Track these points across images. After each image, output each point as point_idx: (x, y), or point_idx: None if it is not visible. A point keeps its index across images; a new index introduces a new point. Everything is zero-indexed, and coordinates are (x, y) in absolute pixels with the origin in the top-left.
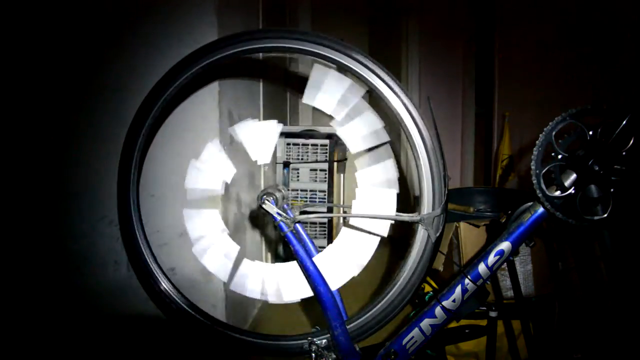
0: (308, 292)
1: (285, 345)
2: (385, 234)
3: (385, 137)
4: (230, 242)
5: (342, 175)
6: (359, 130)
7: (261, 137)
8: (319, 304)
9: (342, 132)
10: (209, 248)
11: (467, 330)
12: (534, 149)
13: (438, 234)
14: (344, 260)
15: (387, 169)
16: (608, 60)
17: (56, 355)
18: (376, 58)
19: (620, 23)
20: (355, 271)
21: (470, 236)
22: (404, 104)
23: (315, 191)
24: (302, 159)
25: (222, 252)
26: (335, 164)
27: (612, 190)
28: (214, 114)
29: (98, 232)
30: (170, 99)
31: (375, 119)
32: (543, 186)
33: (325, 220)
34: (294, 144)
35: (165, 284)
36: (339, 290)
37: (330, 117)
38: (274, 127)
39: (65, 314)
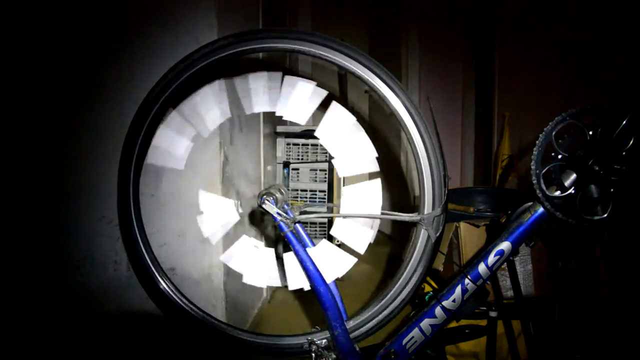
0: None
1: (285, 344)
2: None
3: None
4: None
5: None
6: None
7: None
8: (319, 304)
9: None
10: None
11: (467, 330)
12: (534, 149)
13: (438, 234)
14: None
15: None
16: (608, 60)
17: (56, 355)
18: (376, 58)
19: (620, 23)
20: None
21: (470, 236)
22: (404, 104)
23: (315, 191)
24: (302, 159)
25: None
26: None
27: (612, 190)
28: None
29: (98, 232)
30: (170, 99)
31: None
32: (543, 186)
33: (325, 220)
34: (294, 144)
35: (165, 284)
36: (339, 290)
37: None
38: None
39: (66, 313)
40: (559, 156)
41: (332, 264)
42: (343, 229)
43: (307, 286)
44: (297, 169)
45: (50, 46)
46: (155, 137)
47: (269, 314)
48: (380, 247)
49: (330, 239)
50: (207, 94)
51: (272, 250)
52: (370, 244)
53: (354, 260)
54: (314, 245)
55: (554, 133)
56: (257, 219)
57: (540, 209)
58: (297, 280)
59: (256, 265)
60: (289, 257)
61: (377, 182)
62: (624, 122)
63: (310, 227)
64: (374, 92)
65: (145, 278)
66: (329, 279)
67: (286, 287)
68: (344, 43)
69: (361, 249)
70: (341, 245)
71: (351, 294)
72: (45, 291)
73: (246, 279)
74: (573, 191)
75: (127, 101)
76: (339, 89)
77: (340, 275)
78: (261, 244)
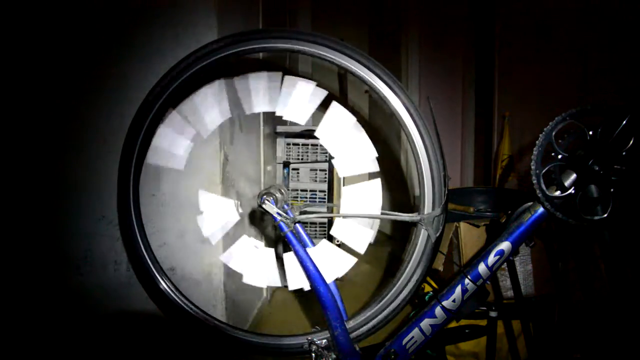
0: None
1: (285, 344)
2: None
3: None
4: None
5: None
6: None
7: None
8: (319, 304)
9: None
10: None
11: (467, 330)
12: (534, 149)
13: (438, 234)
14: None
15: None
16: (608, 60)
17: (56, 355)
18: (376, 58)
19: (620, 23)
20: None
21: (470, 236)
22: (404, 104)
23: (315, 191)
24: (302, 159)
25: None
26: None
27: (612, 190)
28: None
29: (98, 232)
30: (170, 99)
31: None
32: (543, 186)
33: (325, 220)
34: (294, 144)
35: (165, 284)
36: (339, 290)
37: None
38: None
39: (65, 313)
40: (559, 156)
41: (332, 263)
42: (343, 229)
43: (307, 286)
44: (297, 169)
45: (52, 46)
46: (156, 137)
47: (269, 314)
48: (380, 247)
49: (331, 238)
50: (207, 94)
51: (272, 250)
52: (370, 243)
53: (354, 260)
54: (314, 245)
55: (554, 133)
56: (257, 219)
57: (540, 209)
58: (297, 280)
59: (256, 265)
60: (289, 257)
61: (377, 182)
62: (624, 122)
63: (310, 227)
64: (374, 92)
65: (145, 278)
66: (329, 278)
67: (286, 287)
68: (344, 43)
69: (361, 249)
70: (341, 245)
71: (351, 294)
72: (46, 291)
73: (246, 279)
74: (573, 191)
75: (127, 101)
76: (339, 89)
77: (340, 275)
78: (261, 244)
